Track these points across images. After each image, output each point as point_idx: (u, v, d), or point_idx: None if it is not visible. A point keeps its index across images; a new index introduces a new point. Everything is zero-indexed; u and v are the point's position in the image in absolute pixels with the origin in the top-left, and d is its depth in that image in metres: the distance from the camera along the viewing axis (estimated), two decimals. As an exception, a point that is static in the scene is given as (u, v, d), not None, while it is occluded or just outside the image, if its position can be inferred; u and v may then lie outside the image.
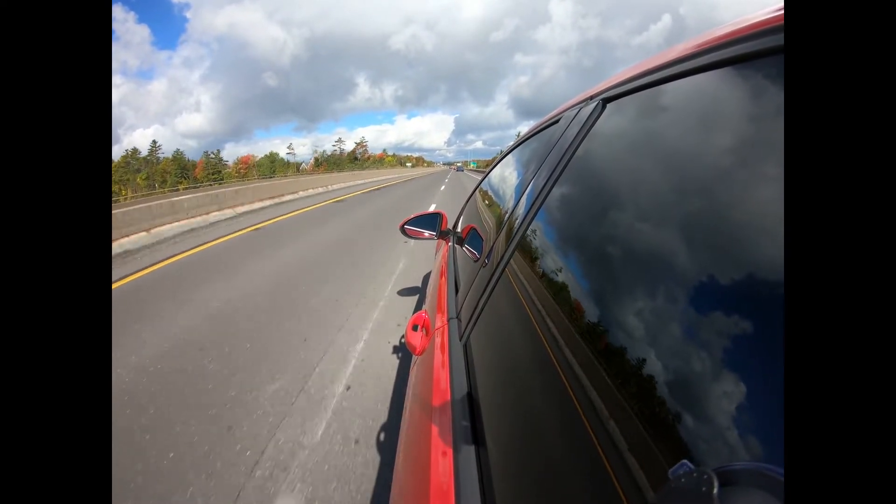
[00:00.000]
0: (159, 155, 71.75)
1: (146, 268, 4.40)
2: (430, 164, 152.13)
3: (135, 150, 70.78)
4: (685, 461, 0.21)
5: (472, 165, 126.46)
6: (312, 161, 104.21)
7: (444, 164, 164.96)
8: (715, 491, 0.16)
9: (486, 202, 1.31)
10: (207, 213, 7.90)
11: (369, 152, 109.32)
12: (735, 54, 0.33)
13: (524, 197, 0.73)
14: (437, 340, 0.79)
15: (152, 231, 6.10)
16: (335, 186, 18.02)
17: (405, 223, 1.56)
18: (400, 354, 2.31)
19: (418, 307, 3.00)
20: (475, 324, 0.67)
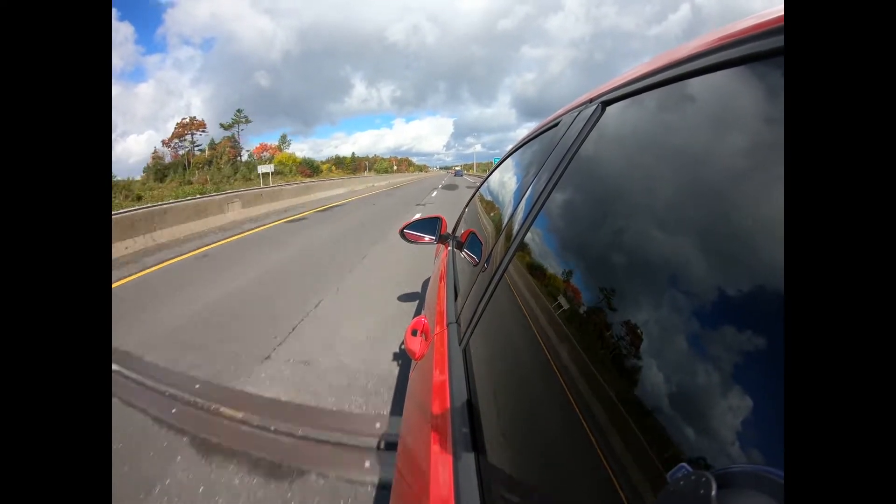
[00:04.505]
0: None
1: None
2: (422, 168, 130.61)
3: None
4: (684, 464, 0.20)
5: (493, 162, 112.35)
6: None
7: (441, 168, 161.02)
8: (713, 493, 0.15)
9: (486, 206, 1.31)
10: None
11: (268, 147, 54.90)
12: (735, 56, 0.32)
13: (523, 201, 0.73)
14: (437, 346, 0.78)
15: None
16: None
17: (405, 227, 1.56)
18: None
19: (418, 312, 3.00)
20: (474, 328, 0.67)
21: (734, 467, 0.18)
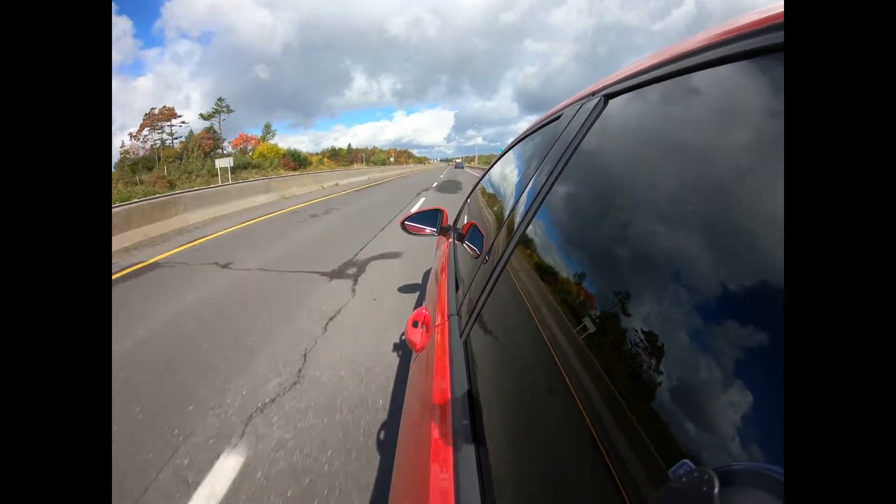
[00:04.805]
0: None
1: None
2: (422, 160, 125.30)
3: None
4: (686, 461, 0.21)
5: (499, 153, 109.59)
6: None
7: (441, 161, 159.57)
8: (715, 491, 0.15)
9: (487, 198, 1.30)
10: None
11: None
12: (738, 51, 0.32)
13: (525, 193, 0.72)
14: (437, 337, 0.79)
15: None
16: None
17: (406, 219, 1.57)
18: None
19: (419, 304, 3.00)
20: (475, 321, 0.67)
21: (736, 464, 0.18)
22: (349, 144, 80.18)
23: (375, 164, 63.76)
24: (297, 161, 43.27)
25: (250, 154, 42.34)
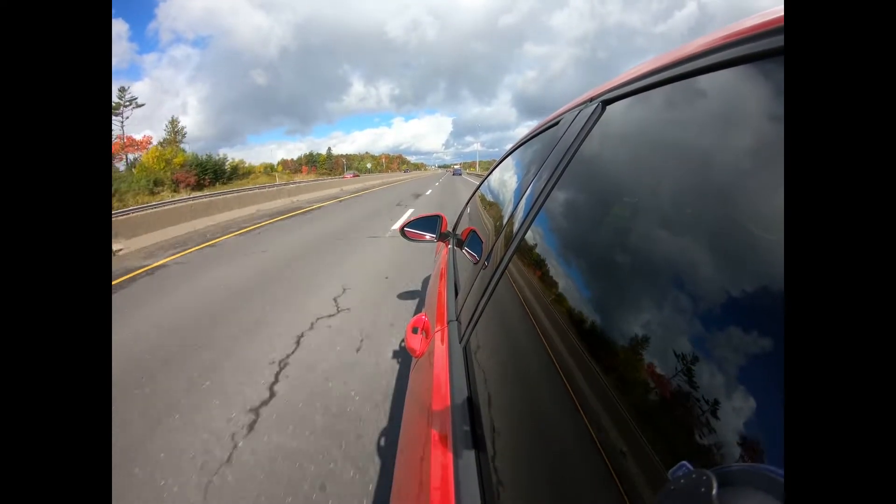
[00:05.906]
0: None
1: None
2: (419, 166, 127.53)
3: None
4: (684, 462, 0.20)
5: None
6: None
7: (439, 167, 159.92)
8: (714, 492, 0.15)
9: (486, 204, 1.31)
10: None
11: None
12: (736, 56, 0.32)
13: (524, 199, 0.73)
14: (437, 343, 0.78)
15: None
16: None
17: (405, 226, 1.57)
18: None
19: (419, 310, 3.01)
20: (475, 326, 0.67)
21: (735, 466, 0.18)
22: (329, 149, 73.97)
23: (361, 172, 58.06)
24: (211, 175, 27.62)
25: (131, 166, 27.91)
